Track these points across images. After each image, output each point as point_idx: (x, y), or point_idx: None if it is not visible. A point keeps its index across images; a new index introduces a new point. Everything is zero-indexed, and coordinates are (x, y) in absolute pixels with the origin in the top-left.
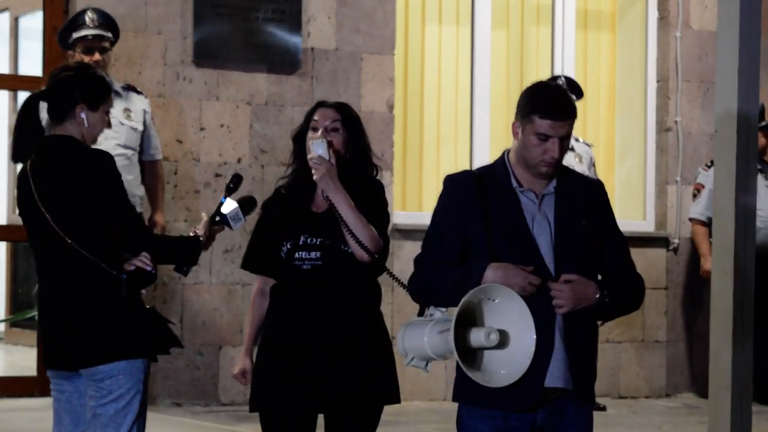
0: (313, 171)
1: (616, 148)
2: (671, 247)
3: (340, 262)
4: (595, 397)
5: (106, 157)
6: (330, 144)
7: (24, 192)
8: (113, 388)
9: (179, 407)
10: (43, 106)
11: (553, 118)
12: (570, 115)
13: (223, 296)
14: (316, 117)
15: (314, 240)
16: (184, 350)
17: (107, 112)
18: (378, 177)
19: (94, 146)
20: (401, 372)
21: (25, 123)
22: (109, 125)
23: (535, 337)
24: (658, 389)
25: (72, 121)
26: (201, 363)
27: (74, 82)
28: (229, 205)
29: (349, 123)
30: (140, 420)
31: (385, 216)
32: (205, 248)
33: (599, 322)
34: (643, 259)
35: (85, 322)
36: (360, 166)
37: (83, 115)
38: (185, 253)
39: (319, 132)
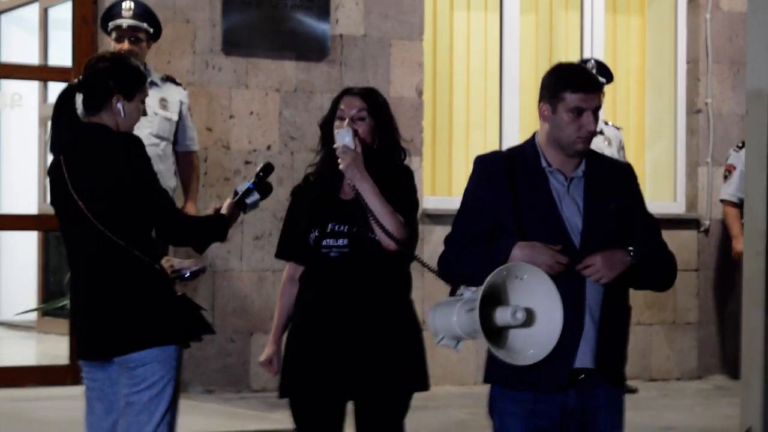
0: (339, 160)
1: (647, 131)
2: (702, 229)
3: (367, 250)
4: (626, 379)
5: (135, 141)
6: (356, 133)
7: (57, 181)
8: (146, 376)
9: (211, 394)
10: (79, 97)
11: (585, 91)
12: (599, 86)
13: (253, 283)
14: (342, 106)
15: (342, 227)
16: (216, 337)
17: (143, 101)
18: (407, 162)
19: None
20: (431, 356)
21: (61, 114)
22: (144, 113)
23: (562, 315)
24: (690, 371)
25: (108, 111)
26: (232, 350)
27: (109, 73)
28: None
29: (375, 110)
30: (173, 407)
31: (413, 203)
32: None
33: (630, 293)
34: (674, 241)
35: (118, 310)
36: (388, 153)
37: (119, 106)
38: (213, 231)
39: (345, 121)
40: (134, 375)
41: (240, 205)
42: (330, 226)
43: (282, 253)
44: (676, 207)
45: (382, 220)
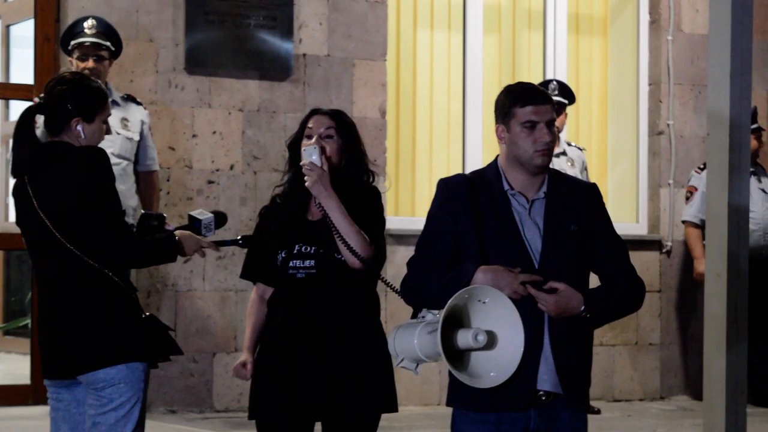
0: (305, 177)
1: (609, 152)
2: (664, 250)
3: (334, 270)
4: (589, 401)
5: (99, 154)
6: (323, 150)
7: (22, 199)
8: (114, 397)
9: (174, 414)
10: (40, 118)
11: (534, 103)
12: (548, 99)
13: (216, 303)
14: (310, 124)
15: (308, 248)
16: (179, 357)
17: (104, 122)
18: (374, 183)
19: None
20: (396, 377)
21: (21, 136)
22: (108, 132)
23: (523, 338)
24: (653, 392)
25: (69, 133)
26: (195, 370)
27: (69, 96)
28: (204, 215)
29: (343, 130)
30: (140, 428)
31: (380, 222)
32: (186, 254)
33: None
34: (636, 262)
35: (85, 327)
36: (355, 173)
37: (79, 128)
38: (165, 253)
39: (313, 139)
40: (101, 396)
41: (188, 225)
42: (297, 247)
43: (248, 274)
44: (639, 228)
45: (348, 238)
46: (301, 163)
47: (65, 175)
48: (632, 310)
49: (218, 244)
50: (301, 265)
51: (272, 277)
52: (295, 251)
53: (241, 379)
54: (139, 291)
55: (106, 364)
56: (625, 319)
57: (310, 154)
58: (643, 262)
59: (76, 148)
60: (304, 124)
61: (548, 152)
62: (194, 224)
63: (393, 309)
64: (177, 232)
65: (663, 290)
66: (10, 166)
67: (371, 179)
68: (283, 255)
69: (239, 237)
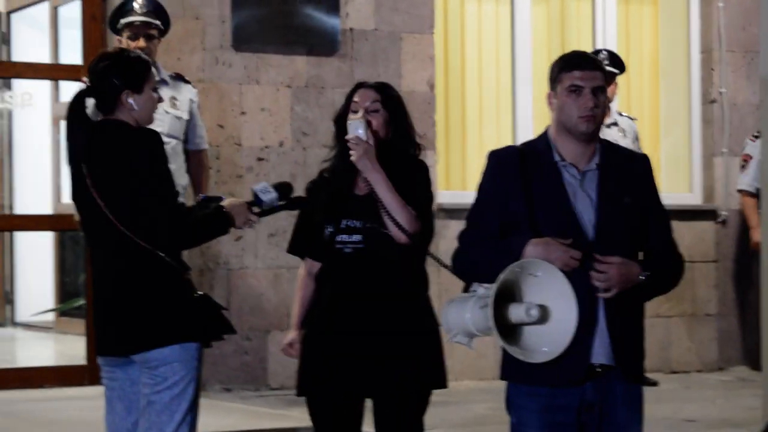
0: (350, 152)
1: (661, 121)
2: (719, 220)
3: (381, 245)
4: (646, 373)
5: (153, 137)
6: (369, 124)
7: (77, 179)
8: (168, 375)
9: (229, 392)
10: (90, 100)
11: (580, 68)
12: (596, 65)
13: (269, 280)
14: (356, 98)
15: (355, 223)
16: (233, 336)
17: (154, 89)
18: (422, 157)
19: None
20: (450, 352)
21: (73, 123)
22: (160, 100)
23: (577, 313)
24: (711, 363)
25: (121, 108)
26: (249, 348)
27: (113, 70)
28: (260, 184)
29: (389, 103)
30: (194, 407)
31: (428, 196)
32: (237, 226)
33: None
34: (691, 233)
35: (140, 307)
36: (402, 147)
37: (130, 101)
38: (217, 227)
39: (359, 113)
40: (155, 374)
41: (254, 204)
42: (344, 222)
43: (294, 248)
44: (693, 198)
45: (394, 212)
46: (346, 137)
47: (119, 157)
48: (674, 286)
49: (265, 213)
50: (349, 240)
51: (320, 251)
52: (342, 226)
53: (290, 357)
54: (191, 270)
55: (161, 344)
56: (681, 290)
57: (356, 127)
58: (698, 232)
59: (129, 130)
60: (349, 98)
61: (594, 119)
62: (255, 197)
63: (446, 284)
64: (225, 203)
65: (719, 260)
66: (65, 151)
67: (418, 152)
68: (331, 230)
69: (285, 202)
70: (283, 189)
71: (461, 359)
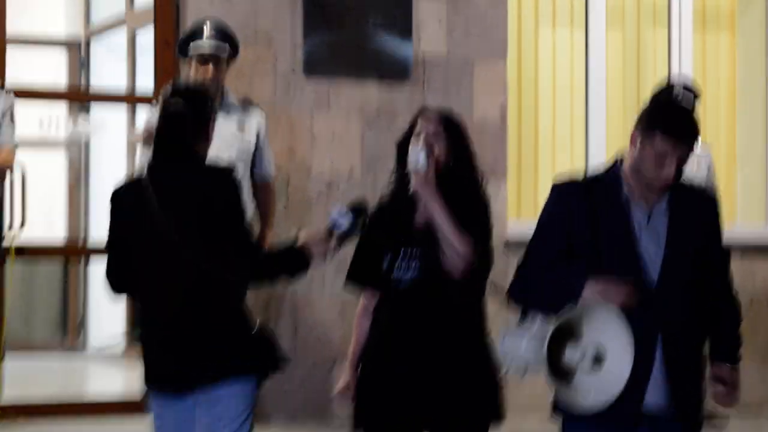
0: (411, 179)
1: (738, 149)
2: None
3: (439, 276)
4: (704, 417)
5: (230, 174)
6: (430, 152)
7: (140, 208)
8: (228, 410)
9: (294, 423)
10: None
11: (675, 137)
12: (693, 137)
13: (336, 311)
14: (418, 125)
15: (414, 252)
16: (299, 366)
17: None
18: (484, 185)
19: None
20: (516, 388)
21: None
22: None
23: (631, 362)
24: None
25: (202, 143)
26: (315, 379)
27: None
28: (336, 210)
29: (451, 130)
30: None
31: (487, 228)
32: (323, 259)
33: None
34: (765, 267)
35: (203, 341)
36: (463, 175)
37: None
38: (294, 266)
39: (421, 140)
40: (215, 409)
41: (330, 231)
42: (403, 250)
43: (353, 276)
44: None
45: (453, 242)
46: (408, 165)
47: (197, 188)
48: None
49: (344, 237)
50: (407, 269)
51: (377, 280)
52: (401, 255)
53: (344, 402)
54: (258, 300)
55: (224, 378)
56: (753, 328)
57: (417, 155)
58: None
59: (207, 164)
60: (412, 125)
61: (669, 184)
62: (334, 223)
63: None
64: (302, 237)
65: None
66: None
67: (481, 181)
68: (389, 258)
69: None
70: (358, 209)
71: (528, 395)
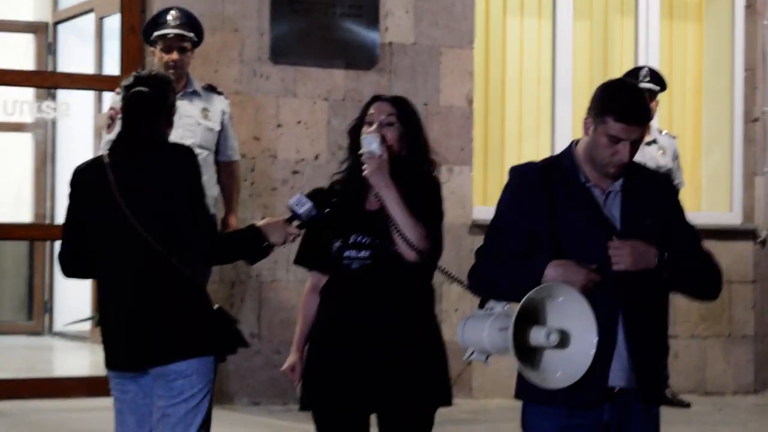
0: (364, 166)
1: (703, 140)
2: (759, 240)
3: (390, 262)
4: (676, 394)
5: (189, 153)
6: (383, 139)
7: (97, 189)
8: (185, 389)
9: (257, 406)
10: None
11: (627, 122)
12: (645, 120)
13: (300, 293)
14: (371, 111)
15: (365, 239)
16: (262, 349)
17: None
18: (436, 173)
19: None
20: (482, 370)
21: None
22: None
23: (596, 339)
24: (746, 386)
25: (164, 126)
26: (279, 362)
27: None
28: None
29: (405, 117)
30: (208, 421)
31: (439, 214)
32: (276, 242)
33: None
34: (729, 253)
35: (159, 320)
36: (416, 163)
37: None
38: (249, 247)
39: (374, 126)
40: (172, 387)
41: (290, 218)
42: (353, 237)
43: (301, 259)
44: (732, 217)
45: (404, 229)
46: (360, 152)
47: (154, 172)
48: (710, 291)
49: (305, 225)
50: (356, 256)
51: (327, 265)
52: (350, 241)
53: (292, 381)
54: (223, 282)
55: (180, 357)
56: (718, 311)
57: (370, 142)
58: (736, 253)
59: (166, 145)
60: (364, 111)
61: (623, 167)
62: (292, 211)
63: (454, 300)
64: (260, 222)
65: (757, 281)
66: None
67: (433, 169)
68: (339, 244)
69: (325, 210)
70: (318, 197)
71: (492, 377)
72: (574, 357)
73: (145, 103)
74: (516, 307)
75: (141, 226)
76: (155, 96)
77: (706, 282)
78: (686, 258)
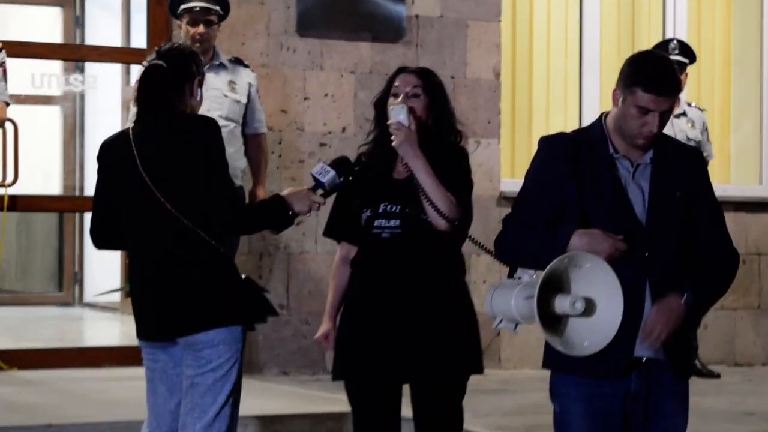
0: (392, 137)
1: (732, 112)
2: None
3: (419, 231)
4: (707, 364)
5: (211, 122)
6: (410, 110)
7: (123, 161)
8: (213, 358)
9: (286, 376)
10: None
11: (657, 93)
12: (674, 91)
13: (328, 265)
14: (396, 83)
15: (394, 208)
16: (291, 319)
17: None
18: (462, 143)
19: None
20: (510, 340)
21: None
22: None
23: (622, 308)
24: None
25: (185, 97)
26: (308, 332)
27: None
28: (318, 166)
29: (431, 88)
30: (237, 390)
31: (467, 183)
32: (300, 212)
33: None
34: (759, 225)
35: (186, 290)
36: (442, 133)
37: (200, 90)
38: (275, 216)
39: (400, 98)
40: (200, 356)
41: (314, 187)
42: (382, 206)
43: (330, 231)
44: (762, 190)
45: (434, 198)
46: (388, 123)
47: (177, 143)
48: (728, 284)
49: (329, 193)
50: (386, 225)
51: (357, 235)
52: (380, 210)
53: (326, 349)
54: (251, 254)
55: (209, 327)
56: (747, 282)
57: (398, 113)
58: (765, 224)
59: (188, 117)
60: (390, 82)
61: (653, 139)
62: (315, 180)
63: (483, 270)
64: (284, 192)
65: None
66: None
67: (459, 139)
68: (368, 214)
69: (345, 177)
70: (341, 165)
71: (520, 348)
72: (600, 326)
73: (157, 77)
74: (540, 277)
75: (165, 198)
76: (168, 69)
77: (726, 281)
78: (707, 288)
